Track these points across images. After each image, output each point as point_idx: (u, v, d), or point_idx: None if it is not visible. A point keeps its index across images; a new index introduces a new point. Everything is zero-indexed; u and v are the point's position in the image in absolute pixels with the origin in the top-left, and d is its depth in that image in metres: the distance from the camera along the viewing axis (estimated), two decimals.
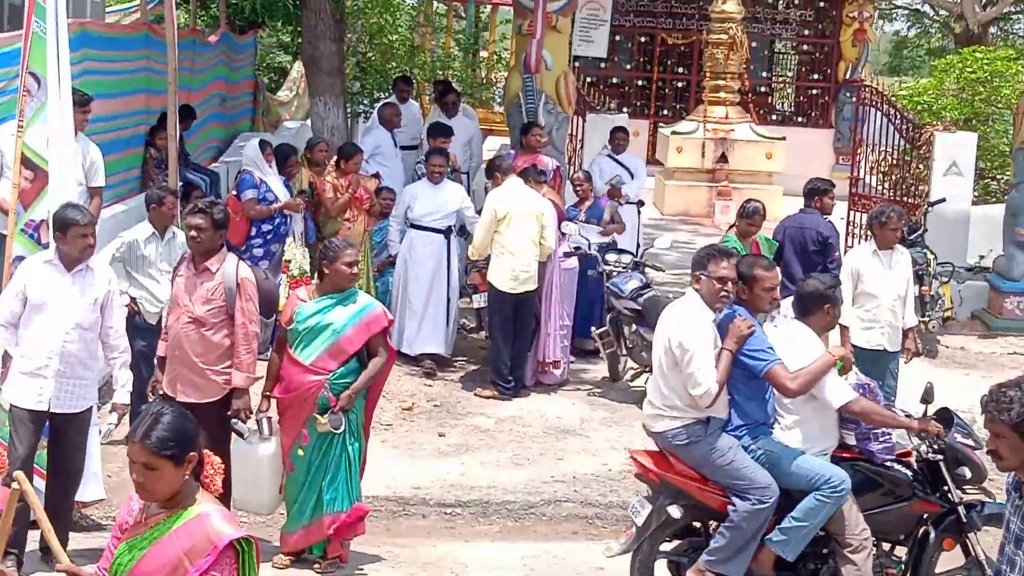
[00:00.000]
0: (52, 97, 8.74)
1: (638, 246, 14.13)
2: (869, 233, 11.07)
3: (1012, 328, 15.01)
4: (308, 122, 16.94)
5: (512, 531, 9.37)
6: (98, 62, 12.65)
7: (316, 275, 8.36)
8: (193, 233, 8.18)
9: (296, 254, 12.45)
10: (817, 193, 12.54)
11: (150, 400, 8.21)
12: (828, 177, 23.86)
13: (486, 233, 12.02)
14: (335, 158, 12.99)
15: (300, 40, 16.92)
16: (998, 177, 21.37)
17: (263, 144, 12.81)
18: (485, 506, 9.70)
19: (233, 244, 12.46)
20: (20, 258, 8.57)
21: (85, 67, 11.95)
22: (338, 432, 8.09)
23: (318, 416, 8.07)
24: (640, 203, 15.24)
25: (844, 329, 10.63)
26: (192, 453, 4.43)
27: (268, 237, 12.34)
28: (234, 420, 8.28)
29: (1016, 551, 5.09)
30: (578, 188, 13.73)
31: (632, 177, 15.11)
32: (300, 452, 8.16)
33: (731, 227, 11.82)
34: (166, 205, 10.05)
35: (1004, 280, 15.28)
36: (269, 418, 8.23)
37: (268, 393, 8.33)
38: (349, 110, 16.76)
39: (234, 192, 12.52)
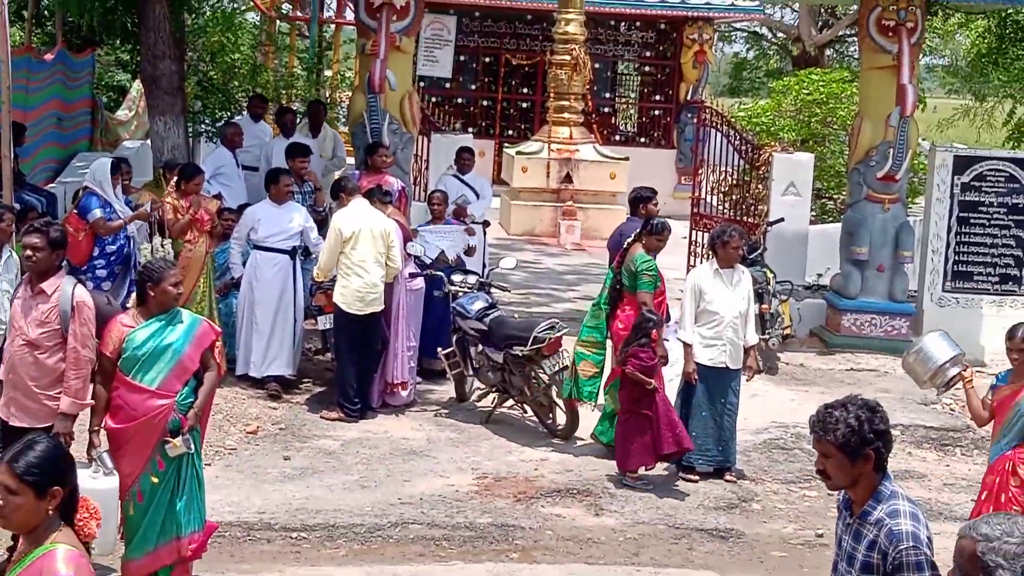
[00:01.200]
0: None
1: (484, 266, 14.16)
2: (710, 252, 11.24)
3: (849, 345, 15.35)
4: (148, 142, 16.67)
5: (359, 554, 9.28)
6: None
7: (138, 298, 8.15)
8: (29, 253, 7.99)
9: (161, 250, 12.22)
10: (641, 201, 13.06)
11: None
12: (671, 197, 24.38)
13: (331, 253, 11.94)
14: (175, 179, 12.81)
15: (139, 58, 16.64)
16: (835, 197, 21.88)
17: (118, 162, 12.59)
18: (331, 529, 9.60)
19: (74, 264, 12.22)
20: None
21: None
22: (191, 452, 7.95)
23: (171, 439, 7.90)
24: (486, 223, 15.29)
25: (687, 347, 10.79)
26: (56, 488, 4.30)
27: (112, 259, 12.13)
28: None
29: (849, 569, 5.18)
30: (435, 207, 13.76)
31: (478, 197, 15.16)
32: (154, 480, 7.96)
33: (633, 243, 11.47)
34: (4, 222, 9.82)
35: (841, 298, 15.62)
36: (106, 451, 7.99)
37: (98, 428, 8.06)
38: (191, 130, 16.52)
39: (75, 211, 12.26)
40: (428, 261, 13.06)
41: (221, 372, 8.38)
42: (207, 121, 18.70)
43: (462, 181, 15.29)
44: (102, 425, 7.99)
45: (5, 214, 9.89)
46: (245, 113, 17.50)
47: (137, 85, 21.52)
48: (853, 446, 5.05)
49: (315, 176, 14.41)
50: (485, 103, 26.99)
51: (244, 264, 12.75)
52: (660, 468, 11.07)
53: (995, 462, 8.62)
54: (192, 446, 7.95)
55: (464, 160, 15.56)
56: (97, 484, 7.75)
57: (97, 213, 12.01)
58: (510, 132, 26.61)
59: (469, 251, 13.78)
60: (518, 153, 22.74)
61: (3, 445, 8.06)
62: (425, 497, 10.28)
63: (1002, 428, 8.59)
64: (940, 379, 9.08)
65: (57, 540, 4.32)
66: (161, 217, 12.59)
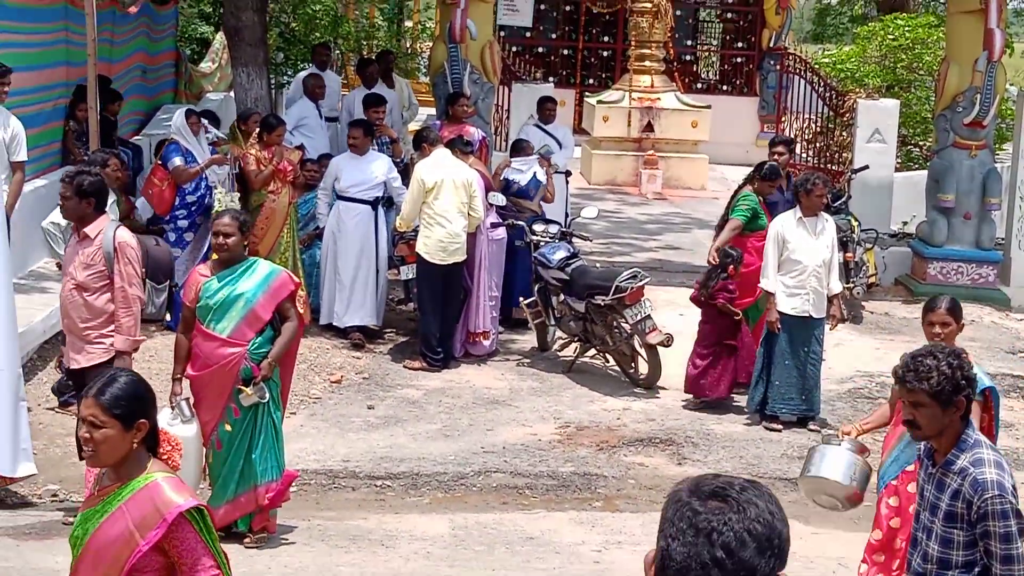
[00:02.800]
0: None
1: (566, 216, 14.14)
2: (794, 200, 11.15)
3: (935, 293, 15.16)
4: (231, 93, 16.77)
5: (442, 502, 9.36)
6: (16, 34, 12.46)
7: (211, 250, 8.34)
8: (60, 202, 8.27)
9: (226, 201, 12.34)
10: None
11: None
12: (753, 145, 24.16)
13: (414, 204, 11.97)
14: (257, 130, 12.88)
15: (222, 10, 16.74)
16: (920, 143, 21.60)
17: (189, 112, 12.68)
18: (415, 478, 9.68)
19: (158, 214, 12.39)
20: None
21: (2, 39, 11.76)
22: (264, 401, 8.05)
23: (243, 388, 8.02)
24: (568, 173, 15.24)
25: (770, 296, 10.73)
26: (142, 420, 4.35)
27: (193, 208, 12.28)
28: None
29: (932, 518, 5.15)
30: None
31: (560, 147, 15.11)
32: (228, 427, 8.10)
33: (743, 186, 11.90)
34: (110, 167, 10.03)
35: (927, 246, 15.44)
36: (187, 399, 8.13)
37: (180, 376, 8.25)
38: (272, 81, 16.61)
39: (159, 161, 12.39)
40: (519, 187, 13.07)
41: (304, 323, 8.45)
42: (288, 73, 18.80)
43: (545, 131, 15.22)
44: (183, 373, 8.16)
45: (111, 159, 10.11)
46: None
47: (220, 37, 21.67)
48: (946, 394, 5.01)
49: (387, 128, 14.39)
50: (566, 52, 26.80)
51: (328, 215, 12.83)
52: (742, 417, 11.05)
53: (889, 488, 7.21)
54: (266, 395, 8.05)
55: (547, 110, 15.48)
56: (175, 431, 7.89)
57: (176, 161, 12.18)
58: (591, 81, 26.41)
59: (548, 198, 13.71)
60: (599, 102, 22.61)
61: (74, 390, 8.28)
62: (508, 446, 10.33)
63: (897, 440, 7.16)
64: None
65: (154, 473, 4.38)
66: (242, 169, 12.68)
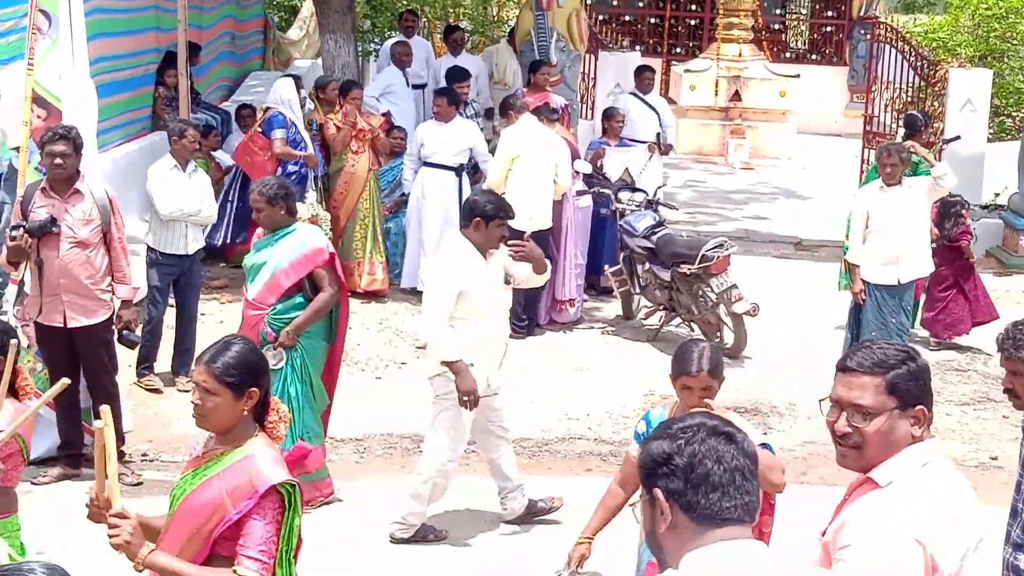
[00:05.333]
0: (64, 35, 8.71)
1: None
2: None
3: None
4: (319, 61, 16.86)
5: (525, 468, 9.33)
6: (107, 0, 12.57)
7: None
8: (59, 160, 8.22)
9: (317, 208, 12.41)
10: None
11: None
12: (842, 115, 23.90)
13: (500, 172, 11.96)
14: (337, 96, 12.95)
15: None
16: (1013, 114, 21.25)
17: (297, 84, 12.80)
18: None
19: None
20: None
21: (95, 4, 11.86)
22: (275, 367, 7.94)
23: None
24: (669, 147, 15.07)
25: (855, 267, 10.65)
26: (253, 389, 4.39)
27: (292, 179, 12.31)
28: (125, 332, 8.61)
29: None
30: (617, 124, 13.64)
31: (658, 116, 14.94)
32: None
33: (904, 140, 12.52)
34: (187, 138, 10.10)
35: (1019, 217, 15.21)
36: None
37: None
38: (360, 48, 16.66)
39: (259, 129, 12.45)
40: (612, 179, 13.04)
41: (344, 296, 8.37)
42: (376, 40, 18.84)
43: (642, 100, 15.07)
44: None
45: (188, 130, 10.17)
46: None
47: (308, 4, 21.77)
48: None
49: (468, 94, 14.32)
50: (653, 20, 26.64)
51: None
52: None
53: None
54: (278, 363, 8.04)
55: (645, 79, 15.30)
56: None
57: (279, 134, 12.23)
58: (678, 50, 26.24)
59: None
60: (686, 71, 22.47)
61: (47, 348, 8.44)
62: (592, 413, 10.33)
63: None
64: None
65: (255, 444, 4.41)
66: (323, 136, 12.76)
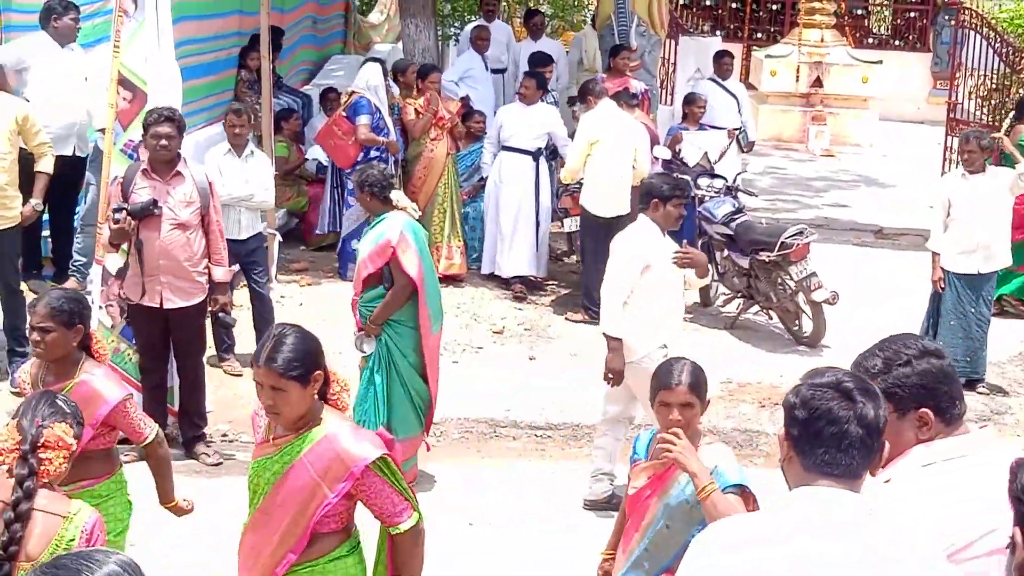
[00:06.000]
0: (149, 17, 8.80)
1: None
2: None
3: None
4: (399, 45, 16.91)
5: None
6: None
7: None
8: (164, 142, 8.28)
9: None
10: None
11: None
12: (925, 102, 23.61)
13: (579, 156, 11.95)
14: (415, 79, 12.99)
15: None
16: None
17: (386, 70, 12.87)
18: (576, 429, 9.72)
19: (339, 166, 12.55)
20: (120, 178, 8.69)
21: None
22: (366, 354, 8.15)
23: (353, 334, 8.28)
24: (751, 144, 14.95)
25: (935, 255, 10.55)
26: (317, 372, 4.43)
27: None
28: (222, 314, 8.71)
29: None
30: (698, 110, 13.58)
31: (737, 102, 14.84)
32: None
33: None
34: (228, 122, 10.17)
35: None
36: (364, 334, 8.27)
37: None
38: (440, 32, 16.69)
39: (344, 114, 12.51)
40: (690, 165, 13.00)
41: (410, 288, 8.23)
42: (456, 25, 18.86)
43: (722, 87, 14.98)
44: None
45: (228, 114, 10.24)
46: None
47: None
48: None
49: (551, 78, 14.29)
50: (734, 5, 26.46)
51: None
52: None
53: None
54: (364, 349, 8.14)
55: (723, 64, 15.20)
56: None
57: (364, 119, 12.28)
58: (759, 35, 26.06)
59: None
60: (767, 56, 22.32)
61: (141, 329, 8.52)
62: None
63: (640, 537, 5.35)
64: None
65: (329, 422, 4.46)
66: (402, 119, 12.80)
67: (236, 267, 8.92)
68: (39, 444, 4.20)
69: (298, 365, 4.37)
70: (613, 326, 7.88)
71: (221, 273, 8.61)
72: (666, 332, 8.05)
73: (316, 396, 4.48)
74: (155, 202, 8.25)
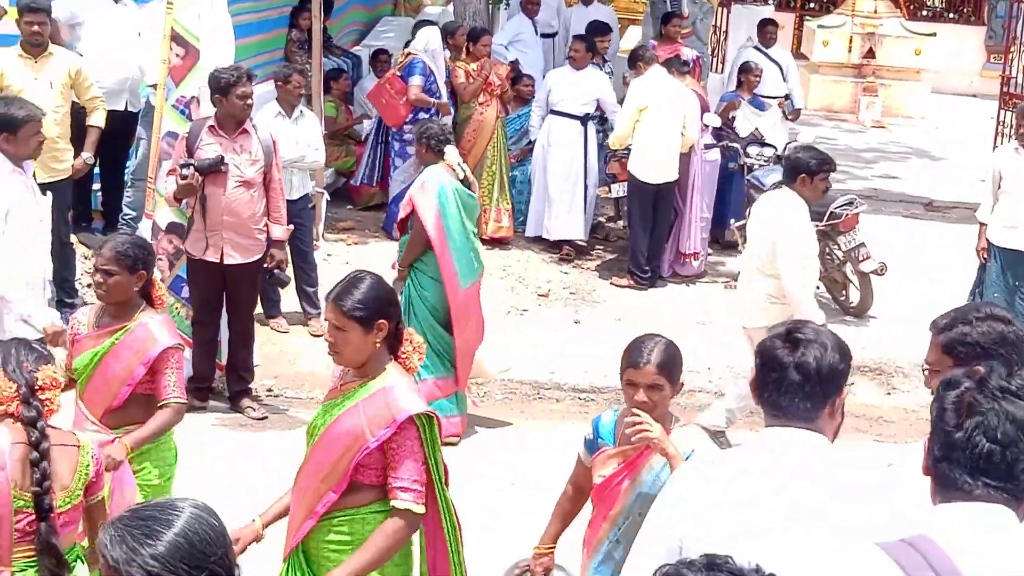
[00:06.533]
0: None
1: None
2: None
3: None
4: (450, 7, 16.88)
5: None
6: None
7: None
8: (250, 102, 8.43)
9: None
10: None
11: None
12: (978, 76, 23.38)
13: (628, 122, 11.92)
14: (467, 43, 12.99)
15: None
16: None
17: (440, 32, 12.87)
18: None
19: (389, 125, 12.58)
20: (171, 133, 8.73)
21: None
22: None
23: None
24: (798, 112, 14.84)
25: (982, 225, 10.45)
26: (382, 321, 4.46)
27: None
28: (277, 271, 8.76)
29: None
30: (754, 79, 13.52)
31: (782, 72, 14.73)
32: None
33: None
34: (292, 83, 10.15)
35: None
36: None
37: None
38: None
39: (398, 73, 12.52)
40: (741, 134, 12.94)
41: (421, 234, 8.43)
42: None
43: (765, 54, 14.88)
44: None
45: (293, 75, 10.23)
46: None
47: None
48: None
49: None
50: None
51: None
52: None
53: None
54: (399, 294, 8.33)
55: (767, 33, 15.10)
56: None
57: (417, 80, 12.30)
58: (811, 5, 25.86)
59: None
60: (820, 26, 22.16)
61: (219, 287, 8.56)
62: (713, 366, 10.30)
63: (609, 527, 4.85)
64: None
65: (391, 375, 4.50)
66: (452, 82, 12.80)
67: (291, 227, 8.91)
68: (36, 387, 4.29)
69: (362, 308, 4.42)
70: (816, 312, 7.84)
71: (280, 231, 8.64)
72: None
73: (383, 348, 4.51)
74: (223, 159, 8.29)
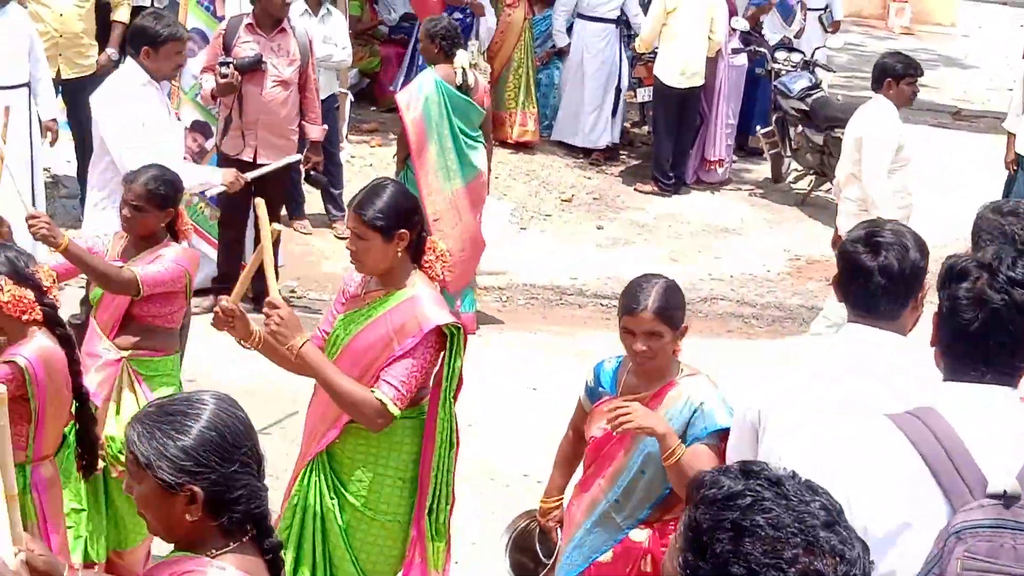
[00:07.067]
0: None
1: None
2: None
3: None
4: None
5: None
6: None
7: None
8: (289, 0, 8.34)
9: (471, 45, 12.32)
10: None
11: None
12: None
13: (654, 25, 11.80)
14: None
15: None
16: None
17: None
18: None
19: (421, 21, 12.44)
20: (196, 30, 8.66)
21: None
22: None
23: None
24: (837, 24, 14.65)
25: (1010, 136, 10.33)
26: (403, 230, 4.44)
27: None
28: (314, 172, 8.78)
29: None
30: None
31: None
32: None
33: None
34: None
35: None
36: None
37: None
38: None
39: None
40: (769, 38, 12.84)
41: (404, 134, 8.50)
42: None
43: None
44: None
45: None
46: None
47: None
48: None
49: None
50: None
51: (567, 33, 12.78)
52: None
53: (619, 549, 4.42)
54: None
55: None
56: None
57: None
58: None
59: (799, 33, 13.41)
60: None
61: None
62: (736, 275, 10.29)
63: (608, 485, 4.40)
64: None
65: (417, 285, 4.49)
66: None
67: (326, 127, 8.86)
68: (44, 287, 4.45)
69: (383, 217, 4.41)
70: (891, 208, 7.75)
71: (317, 132, 8.57)
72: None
73: (406, 257, 4.49)
74: (261, 58, 8.22)
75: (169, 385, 5.48)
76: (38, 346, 4.36)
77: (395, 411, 4.36)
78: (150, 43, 6.61)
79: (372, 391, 4.35)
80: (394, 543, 4.64)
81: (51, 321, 4.36)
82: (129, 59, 6.71)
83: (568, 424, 4.68)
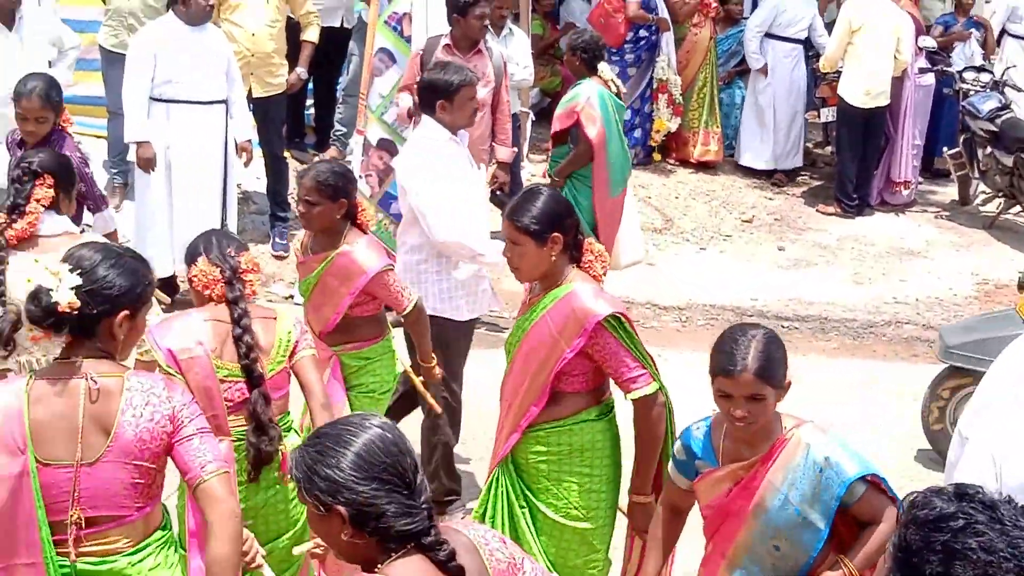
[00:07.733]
0: None
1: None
2: None
3: None
4: None
5: (850, 348, 9.25)
6: None
7: None
8: (487, 22, 8.44)
9: (659, 61, 12.29)
10: None
11: None
12: None
13: (839, 44, 11.65)
14: None
15: None
16: None
17: None
18: (823, 322, 9.60)
19: (608, 45, 12.45)
20: (383, 50, 8.81)
21: None
22: None
23: None
24: None
25: None
26: (556, 234, 4.49)
27: (640, 44, 12.21)
28: (500, 193, 8.91)
29: None
30: (969, 3, 13.11)
31: None
32: None
33: None
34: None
35: None
36: None
37: None
38: None
39: None
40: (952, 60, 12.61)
41: (589, 148, 8.43)
42: None
43: None
44: None
45: None
46: None
47: None
48: None
49: None
50: None
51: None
52: None
53: None
54: None
55: None
56: None
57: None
58: None
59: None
60: None
61: None
62: (921, 298, 10.10)
63: (728, 568, 3.99)
64: None
65: (573, 281, 4.54)
66: (668, 2, 12.61)
67: (516, 149, 8.94)
68: (240, 270, 4.53)
69: (536, 223, 4.48)
70: None
71: (506, 153, 8.61)
72: None
73: (563, 260, 4.55)
74: None
75: (385, 367, 5.68)
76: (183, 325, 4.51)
77: (652, 388, 4.50)
78: (444, 95, 6.27)
79: (626, 397, 4.51)
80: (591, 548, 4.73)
81: (232, 302, 4.50)
82: (425, 118, 6.35)
83: (659, 502, 4.31)
